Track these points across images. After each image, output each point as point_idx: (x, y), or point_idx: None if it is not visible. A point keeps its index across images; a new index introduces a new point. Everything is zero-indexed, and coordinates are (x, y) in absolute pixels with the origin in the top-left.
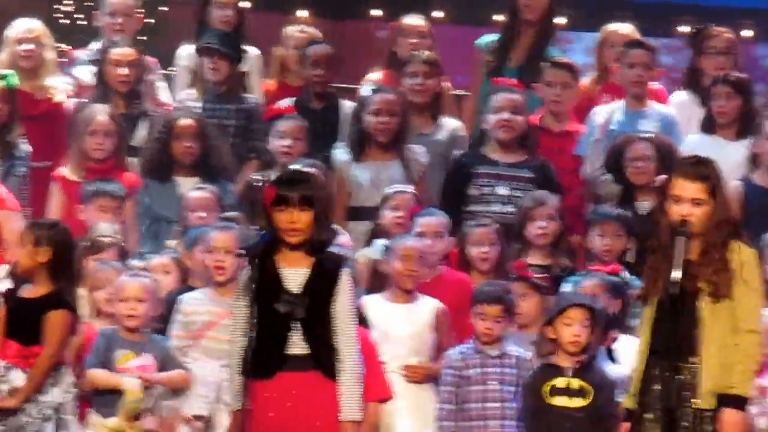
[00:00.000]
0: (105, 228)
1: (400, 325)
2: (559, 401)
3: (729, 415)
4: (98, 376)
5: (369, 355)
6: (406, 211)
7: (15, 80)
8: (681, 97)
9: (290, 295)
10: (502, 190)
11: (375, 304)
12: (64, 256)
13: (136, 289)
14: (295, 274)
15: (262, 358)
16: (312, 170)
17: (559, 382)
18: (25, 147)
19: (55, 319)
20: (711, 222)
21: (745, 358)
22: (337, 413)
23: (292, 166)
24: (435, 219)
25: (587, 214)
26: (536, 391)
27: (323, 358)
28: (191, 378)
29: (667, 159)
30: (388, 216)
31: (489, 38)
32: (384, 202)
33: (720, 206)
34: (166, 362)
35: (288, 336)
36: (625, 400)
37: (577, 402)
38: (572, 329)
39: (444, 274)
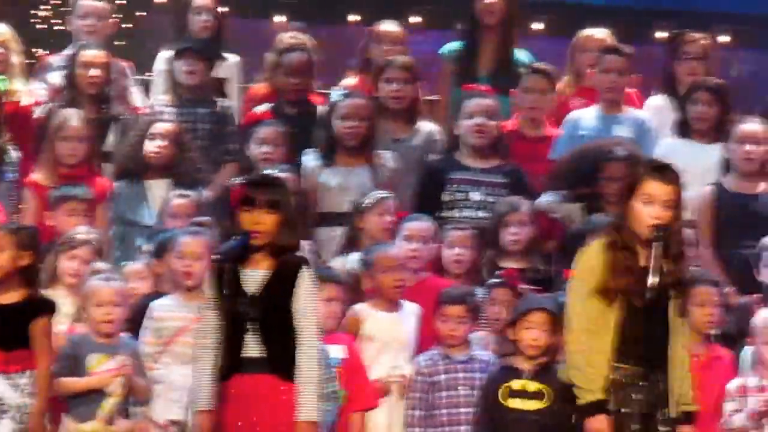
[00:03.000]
0: (81, 229)
1: (391, 333)
2: (514, 403)
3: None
4: (73, 382)
5: (357, 364)
6: (393, 217)
7: (4, 84)
8: (657, 101)
9: (247, 296)
10: (476, 196)
11: (364, 314)
12: (39, 261)
13: (110, 294)
14: (254, 276)
15: (220, 360)
16: (283, 175)
17: (515, 384)
18: (14, 153)
19: (43, 326)
20: (678, 228)
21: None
22: (292, 415)
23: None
24: (422, 224)
25: (585, 223)
26: (492, 392)
27: (279, 361)
28: (152, 390)
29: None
30: (373, 221)
31: (453, 46)
32: (366, 207)
33: (682, 213)
34: (135, 366)
35: (244, 338)
36: (598, 392)
37: (533, 405)
38: (532, 333)
39: (428, 279)
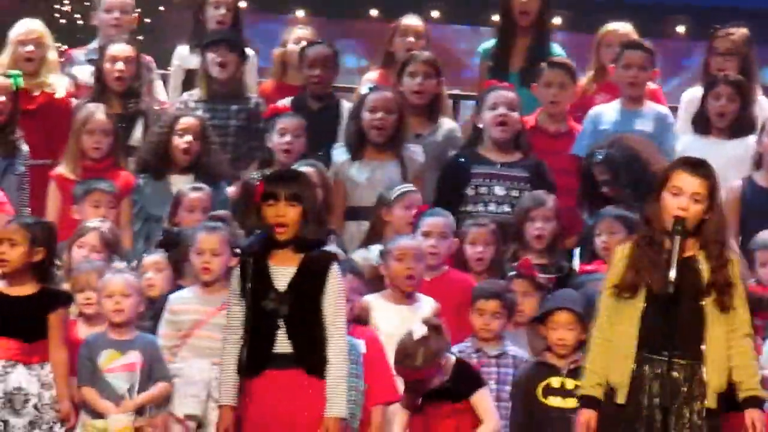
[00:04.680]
0: (93, 220)
1: (399, 326)
2: (554, 401)
3: (757, 414)
4: (90, 397)
5: (377, 356)
6: (417, 210)
7: (21, 81)
8: (693, 93)
9: (276, 292)
10: (499, 190)
11: (373, 305)
12: (53, 255)
13: (120, 285)
14: (282, 272)
15: (249, 356)
16: (305, 169)
17: (554, 381)
18: (24, 147)
19: (59, 318)
20: (712, 224)
21: (751, 361)
22: (320, 411)
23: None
24: (441, 219)
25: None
26: (530, 390)
27: (307, 357)
28: (173, 387)
29: (623, 174)
30: (399, 215)
31: (488, 44)
32: (392, 201)
33: (718, 209)
34: (153, 361)
35: (274, 334)
36: (589, 388)
37: (572, 402)
38: (557, 333)
39: (448, 273)
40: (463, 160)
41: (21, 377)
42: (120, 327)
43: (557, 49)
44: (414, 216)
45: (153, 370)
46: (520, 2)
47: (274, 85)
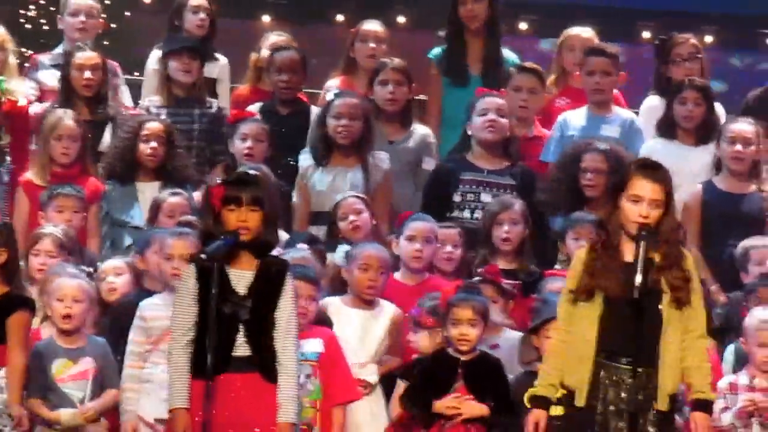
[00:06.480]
0: (47, 226)
1: (356, 331)
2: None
3: (702, 419)
4: (37, 409)
5: (336, 357)
6: (356, 215)
7: (4, 85)
8: (652, 101)
9: (236, 296)
10: (486, 197)
11: (333, 308)
12: (16, 257)
13: (73, 289)
14: (240, 276)
15: (206, 359)
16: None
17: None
18: (8, 157)
19: (17, 321)
20: (668, 225)
21: (704, 363)
22: (274, 415)
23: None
24: (425, 224)
25: (564, 222)
26: (516, 397)
27: (265, 361)
28: (120, 394)
29: (619, 172)
30: (340, 223)
31: (440, 50)
32: (335, 209)
33: (673, 210)
34: (105, 366)
35: (234, 337)
36: (541, 388)
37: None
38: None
39: (429, 279)
40: (451, 166)
41: None
42: (69, 334)
43: (511, 55)
44: (356, 221)
45: (104, 377)
46: (467, 8)
47: (249, 90)
